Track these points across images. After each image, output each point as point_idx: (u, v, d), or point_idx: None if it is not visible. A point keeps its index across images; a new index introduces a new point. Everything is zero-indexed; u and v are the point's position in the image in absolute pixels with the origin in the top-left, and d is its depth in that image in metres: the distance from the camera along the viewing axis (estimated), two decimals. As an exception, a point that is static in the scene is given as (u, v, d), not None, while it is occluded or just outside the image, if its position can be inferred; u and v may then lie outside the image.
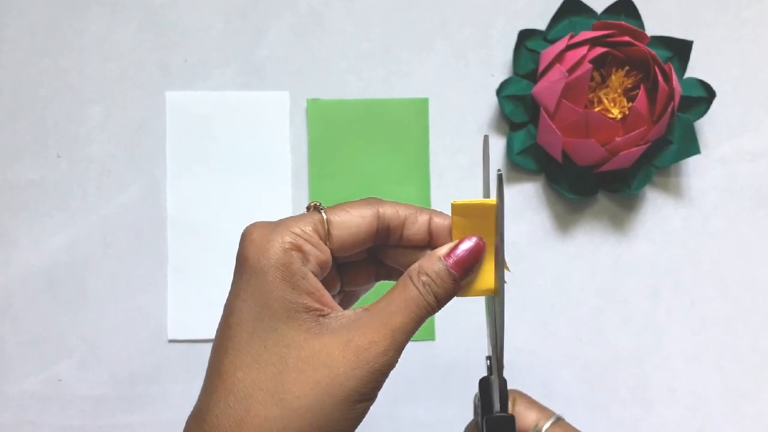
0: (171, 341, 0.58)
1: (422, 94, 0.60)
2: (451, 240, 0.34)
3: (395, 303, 0.32)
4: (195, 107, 0.60)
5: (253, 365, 0.30)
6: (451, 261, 0.33)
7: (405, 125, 0.60)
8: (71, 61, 0.60)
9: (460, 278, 0.33)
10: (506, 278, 0.34)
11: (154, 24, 0.60)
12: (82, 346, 0.58)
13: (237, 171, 0.59)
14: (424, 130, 0.60)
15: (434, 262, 0.33)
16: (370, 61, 0.60)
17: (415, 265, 0.33)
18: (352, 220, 0.33)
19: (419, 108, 0.60)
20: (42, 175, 0.59)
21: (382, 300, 0.32)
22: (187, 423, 0.32)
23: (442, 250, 0.33)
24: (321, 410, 0.30)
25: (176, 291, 0.58)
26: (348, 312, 0.32)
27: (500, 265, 0.33)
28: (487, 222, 0.33)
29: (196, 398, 0.58)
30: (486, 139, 0.35)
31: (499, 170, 0.33)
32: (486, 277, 0.34)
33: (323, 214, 0.33)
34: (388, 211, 0.34)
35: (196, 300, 0.58)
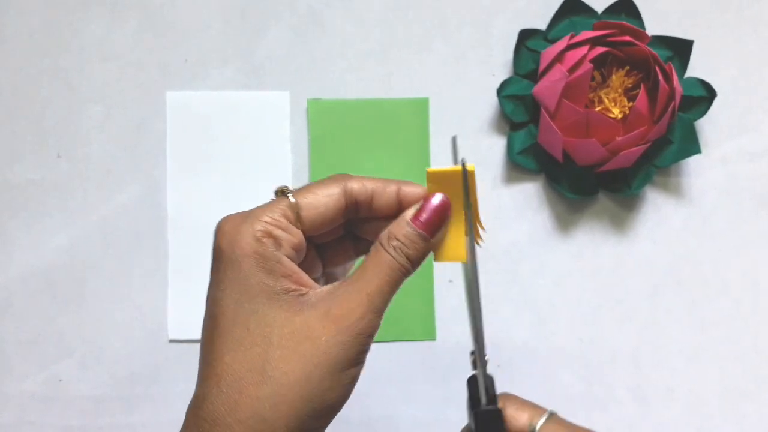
0: (172, 341, 0.58)
1: (422, 93, 0.60)
2: None
3: (369, 270, 0.33)
4: (195, 107, 0.60)
5: (238, 348, 0.31)
6: (418, 222, 0.34)
7: (405, 125, 0.60)
8: (71, 61, 0.60)
9: (430, 236, 0.34)
10: (479, 247, 0.35)
11: (154, 24, 0.60)
12: (82, 346, 0.58)
13: (237, 171, 0.59)
14: (425, 129, 0.60)
15: (402, 226, 0.33)
16: (369, 61, 0.60)
17: (385, 231, 0.34)
18: (320, 200, 0.34)
19: (419, 108, 0.60)
20: (42, 175, 0.59)
21: (357, 270, 0.33)
22: (186, 414, 0.32)
23: (409, 212, 0.34)
24: (310, 382, 0.31)
25: (177, 291, 0.58)
26: (326, 287, 0.33)
27: (468, 229, 0.34)
28: (461, 189, 0.34)
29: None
30: (454, 139, 0.36)
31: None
32: (459, 243, 0.35)
33: (290, 197, 0.34)
34: (355, 186, 0.35)
35: (196, 300, 0.58)
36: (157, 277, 0.58)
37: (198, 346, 0.56)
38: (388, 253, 0.33)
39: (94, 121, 0.59)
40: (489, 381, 0.40)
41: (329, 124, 0.59)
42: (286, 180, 0.59)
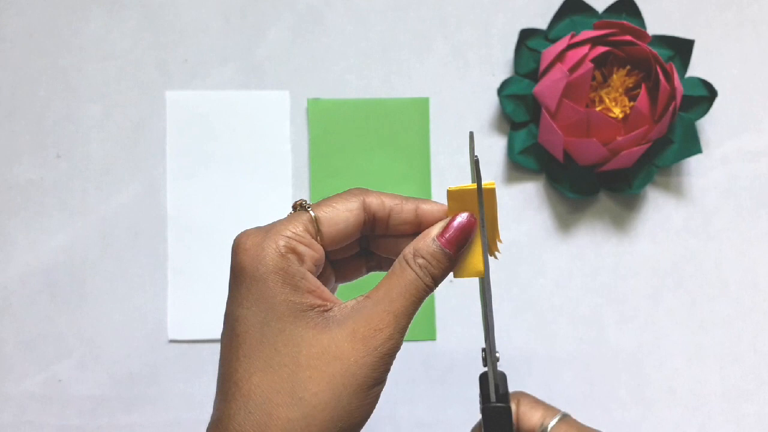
0: (171, 341, 0.58)
1: (422, 93, 0.60)
2: None
3: (395, 288, 0.32)
4: (195, 107, 0.59)
5: (267, 369, 0.31)
6: (443, 240, 0.33)
7: (406, 125, 0.59)
8: (70, 60, 0.59)
9: (454, 256, 0.33)
10: (496, 260, 0.35)
11: (154, 23, 0.60)
12: (82, 346, 0.58)
13: (237, 171, 0.59)
14: (425, 129, 0.60)
15: (428, 243, 0.33)
16: (370, 61, 0.60)
17: (410, 248, 0.33)
18: (340, 215, 0.34)
19: (420, 107, 0.60)
20: (41, 175, 0.59)
21: (382, 286, 0.33)
22: None
23: (434, 230, 0.34)
24: (339, 402, 0.31)
25: (176, 291, 0.58)
26: (350, 302, 0.33)
27: (484, 246, 0.34)
28: (485, 204, 0.34)
29: (196, 398, 0.58)
30: (471, 135, 0.36)
31: (476, 156, 0.34)
32: (477, 259, 0.35)
33: (311, 212, 0.33)
34: (373, 202, 0.34)
35: (196, 300, 0.58)
36: (157, 277, 0.58)
37: (198, 346, 0.55)
38: (414, 271, 0.33)
39: (94, 121, 0.59)
40: (501, 378, 0.40)
41: (329, 124, 0.59)
42: (286, 180, 0.59)
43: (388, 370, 0.32)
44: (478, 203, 0.34)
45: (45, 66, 0.59)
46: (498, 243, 0.36)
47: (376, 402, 0.32)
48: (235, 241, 0.33)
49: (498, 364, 0.39)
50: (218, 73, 0.60)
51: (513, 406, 0.44)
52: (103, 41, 0.60)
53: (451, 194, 0.34)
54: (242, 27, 0.60)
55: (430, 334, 0.59)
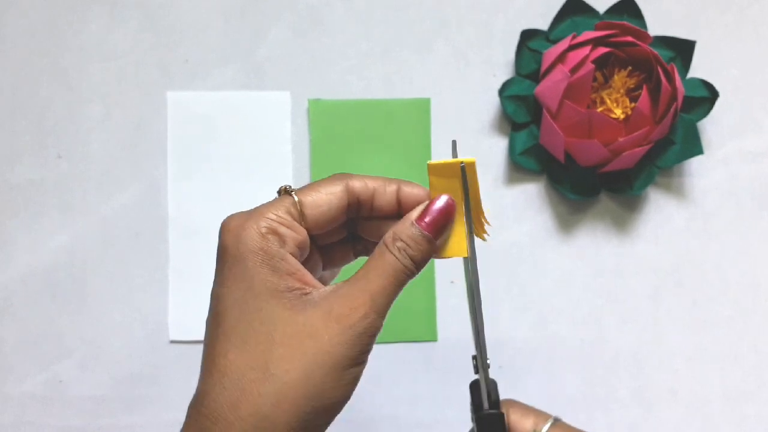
0: (172, 342, 0.58)
1: (423, 94, 0.60)
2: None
3: (373, 270, 0.33)
4: (195, 107, 0.59)
5: (242, 346, 0.31)
6: (423, 223, 0.33)
7: (407, 125, 0.59)
8: (71, 60, 0.59)
9: (435, 238, 0.34)
10: (484, 242, 0.35)
11: (154, 24, 0.60)
12: (82, 346, 0.58)
13: (238, 171, 0.59)
14: (426, 130, 0.60)
15: (407, 227, 0.33)
16: (371, 61, 0.60)
17: (390, 232, 0.33)
18: (323, 198, 0.34)
19: (421, 108, 0.60)
20: (42, 175, 0.59)
21: (361, 270, 0.33)
22: (187, 411, 0.32)
23: (414, 213, 0.34)
24: (311, 380, 0.31)
25: (177, 291, 0.58)
26: (328, 287, 0.33)
27: (468, 225, 0.34)
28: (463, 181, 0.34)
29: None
30: (454, 143, 0.36)
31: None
32: (461, 238, 0.35)
33: (294, 196, 0.34)
34: (356, 185, 0.34)
35: (197, 300, 0.58)
36: (158, 277, 0.58)
37: (199, 347, 0.56)
38: (393, 254, 0.33)
39: (94, 121, 0.59)
40: (492, 385, 0.40)
41: (330, 125, 0.59)
42: (286, 180, 0.59)
43: (365, 350, 0.32)
44: (462, 185, 0.34)
45: (46, 66, 0.59)
46: (485, 224, 0.35)
47: (354, 384, 0.32)
48: (222, 223, 0.34)
49: (493, 367, 0.38)
50: (219, 74, 0.60)
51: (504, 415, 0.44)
52: (104, 42, 0.60)
53: (431, 168, 0.34)
54: (243, 27, 0.60)
55: (431, 335, 0.59)
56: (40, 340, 0.58)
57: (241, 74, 0.60)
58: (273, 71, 0.60)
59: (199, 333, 0.58)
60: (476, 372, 0.39)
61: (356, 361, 0.32)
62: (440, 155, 0.59)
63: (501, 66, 0.60)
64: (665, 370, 0.59)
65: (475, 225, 0.35)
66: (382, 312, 0.32)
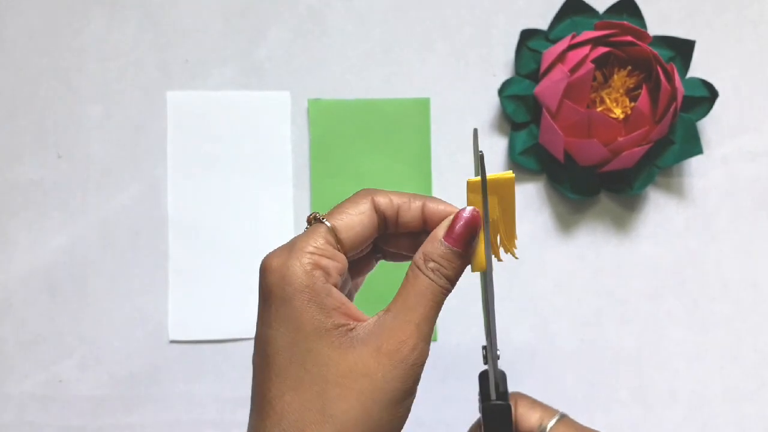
0: (172, 342, 0.58)
1: (423, 94, 0.60)
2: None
3: (411, 297, 0.33)
4: (195, 107, 0.59)
5: (298, 388, 0.31)
6: (451, 239, 0.33)
7: (406, 125, 0.59)
8: (71, 61, 0.59)
9: (465, 253, 0.33)
10: (516, 259, 0.35)
11: (154, 24, 0.60)
12: (82, 346, 0.58)
13: (238, 171, 0.59)
14: (426, 130, 0.60)
15: (437, 246, 0.33)
16: (370, 61, 0.60)
17: (419, 254, 0.33)
18: (355, 219, 0.34)
19: (420, 108, 0.60)
20: (42, 175, 0.59)
21: (399, 297, 0.33)
22: None
23: (440, 231, 0.34)
24: (370, 418, 0.31)
25: (177, 291, 0.58)
26: (371, 319, 0.33)
27: (486, 241, 0.34)
28: (502, 197, 0.34)
29: (197, 399, 0.59)
30: (475, 132, 0.36)
31: (480, 151, 0.33)
32: (481, 253, 0.34)
33: (326, 222, 0.33)
34: (381, 201, 0.34)
35: (197, 300, 0.58)
36: (158, 277, 0.58)
37: (199, 347, 0.55)
38: (428, 277, 0.33)
39: (94, 121, 0.59)
40: (501, 377, 0.40)
41: (330, 125, 0.59)
42: (286, 180, 0.59)
43: (417, 380, 0.32)
44: (482, 198, 0.34)
45: (46, 66, 0.59)
46: (515, 239, 0.35)
47: (408, 414, 0.32)
48: (261, 263, 0.33)
49: (498, 363, 0.39)
50: (219, 74, 0.60)
51: (512, 407, 0.44)
52: (103, 42, 0.60)
53: (470, 185, 0.34)
54: (242, 27, 0.60)
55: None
56: (40, 340, 0.58)
57: (241, 74, 0.60)
58: (273, 71, 0.60)
59: (200, 333, 0.58)
60: (485, 362, 0.39)
61: (410, 392, 0.32)
62: (440, 155, 0.59)
63: (501, 66, 0.60)
64: (665, 370, 0.59)
65: (507, 242, 0.35)
66: (428, 339, 0.33)
